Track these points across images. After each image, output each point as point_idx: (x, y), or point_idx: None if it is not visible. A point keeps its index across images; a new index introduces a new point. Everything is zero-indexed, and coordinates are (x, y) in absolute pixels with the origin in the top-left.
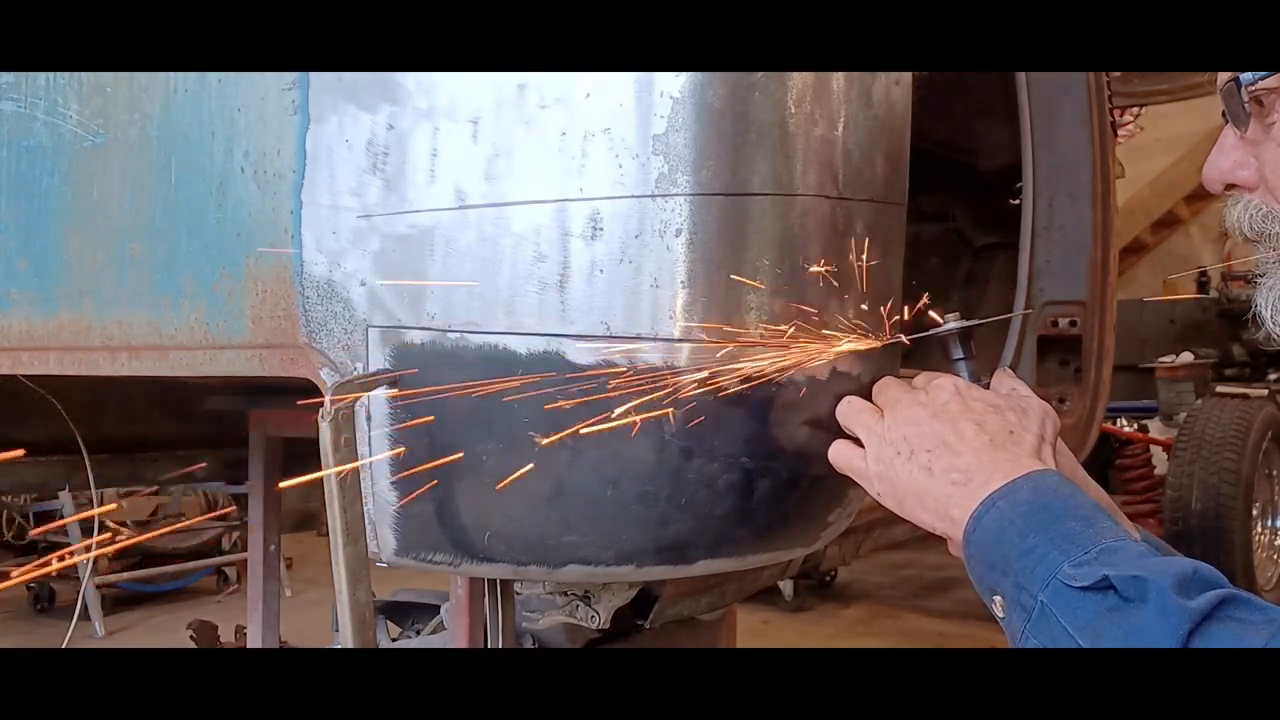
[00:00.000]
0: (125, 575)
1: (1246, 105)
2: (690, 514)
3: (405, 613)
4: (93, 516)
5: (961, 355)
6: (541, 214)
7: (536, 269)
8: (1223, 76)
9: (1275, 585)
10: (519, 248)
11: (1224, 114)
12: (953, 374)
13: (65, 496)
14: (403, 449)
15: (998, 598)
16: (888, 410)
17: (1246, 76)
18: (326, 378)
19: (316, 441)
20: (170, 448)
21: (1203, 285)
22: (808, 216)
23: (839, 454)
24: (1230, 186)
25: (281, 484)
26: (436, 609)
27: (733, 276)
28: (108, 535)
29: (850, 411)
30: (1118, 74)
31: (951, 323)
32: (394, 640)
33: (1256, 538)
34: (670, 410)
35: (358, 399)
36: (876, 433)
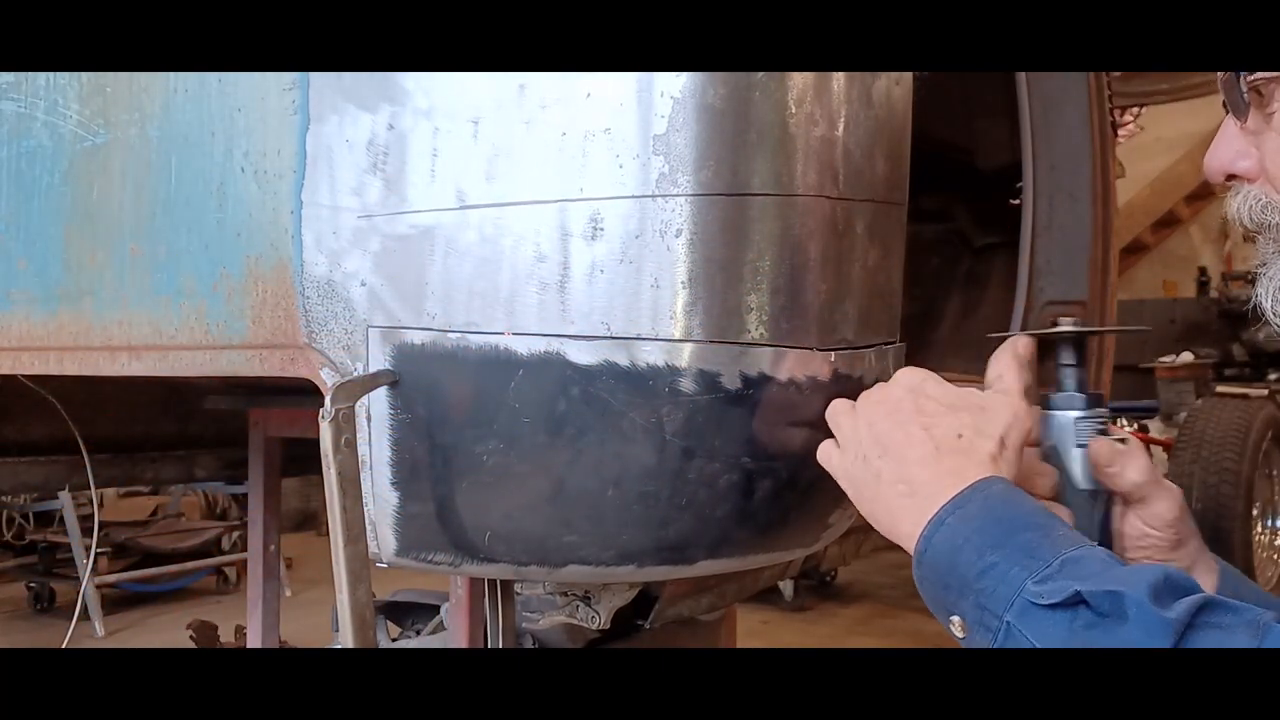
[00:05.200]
0: (125, 575)
1: (1246, 96)
2: (691, 514)
3: (405, 613)
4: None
5: (1072, 361)
6: (542, 214)
7: (537, 269)
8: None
9: (1275, 585)
10: (519, 248)
11: (1224, 104)
12: (1055, 379)
13: (65, 496)
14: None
15: (955, 618)
16: (856, 407)
17: None
18: (327, 378)
19: (316, 441)
20: (170, 448)
21: (1203, 285)
22: (808, 216)
23: (821, 453)
24: (1231, 177)
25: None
26: (436, 609)
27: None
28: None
29: (831, 412)
30: (1118, 74)
31: (1066, 326)
32: (394, 640)
33: (1256, 538)
34: (670, 410)
35: (359, 399)
36: (845, 431)
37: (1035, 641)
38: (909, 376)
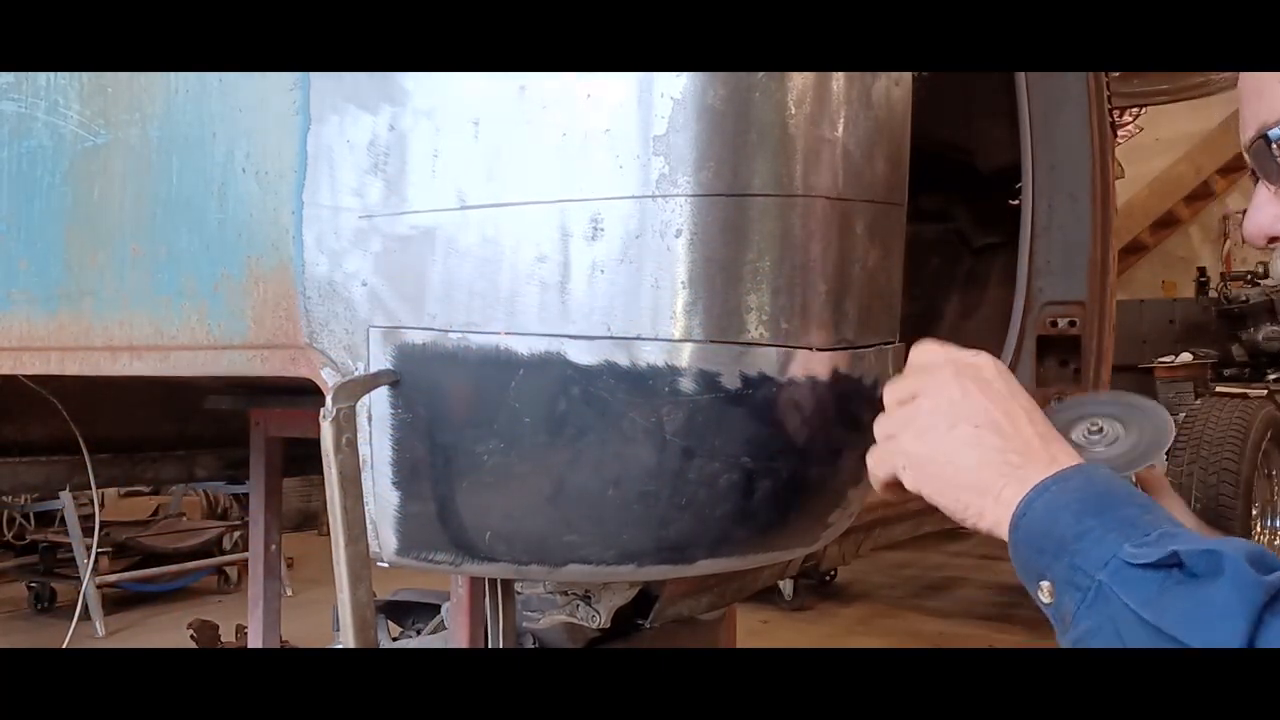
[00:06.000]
0: (126, 575)
1: (1279, 159)
2: (691, 514)
3: (406, 612)
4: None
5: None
6: (542, 214)
7: (537, 269)
8: (1248, 135)
9: None
10: (520, 248)
11: (1253, 172)
12: None
13: (65, 496)
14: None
15: (1045, 583)
16: (947, 374)
17: (1275, 133)
18: (328, 378)
19: (317, 441)
20: (170, 448)
21: (1202, 285)
22: (808, 217)
23: (872, 459)
24: (1273, 239)
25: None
26: (437, 609)
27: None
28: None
29: (914, 384)
30: (1118, 74)
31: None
32: (394, 640)
33: (1256, 538)
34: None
35: (359, 399)
36: (935, 397)
37: (1126, 600)
38: (988, 360)
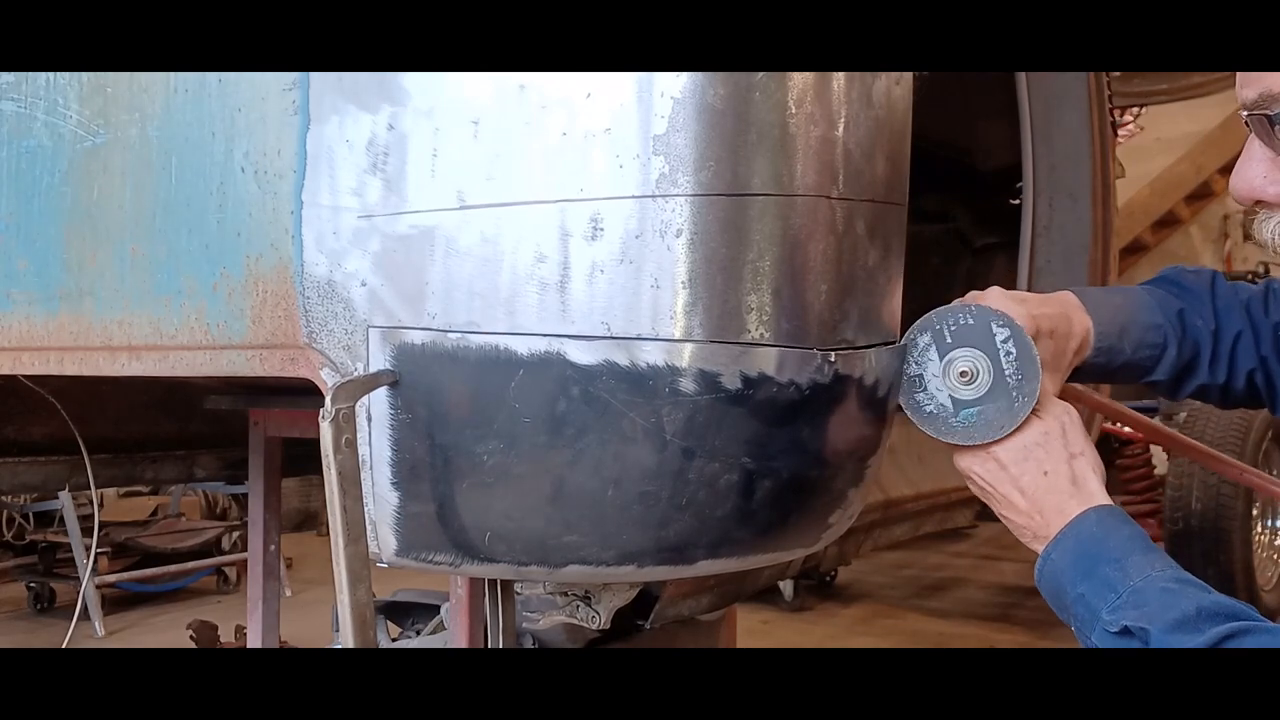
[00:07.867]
0: (125, 575)
1: (1276, 129)
2: (691, 514)
3: (405, 613)
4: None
5: None
6: (542, 214)
7: (537, 269)
8: (1248, 94)
9: (1275, 585)
10: (519, 248)
11: (1248, 123)
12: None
13: (65, 497)
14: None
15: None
16: (1049, 427)
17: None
18: (327, 378)
19: (317, 441)
20: (170, 448)
21: None
22: (808, 217)
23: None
24: (1259, 203)
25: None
26: (436, 609)
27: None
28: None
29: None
30: (1118, 74)
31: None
32: (394, 640)
33: (1256, 538)
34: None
35: (359, 399)
36: (1039, 449)
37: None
38: (1064, 413)
